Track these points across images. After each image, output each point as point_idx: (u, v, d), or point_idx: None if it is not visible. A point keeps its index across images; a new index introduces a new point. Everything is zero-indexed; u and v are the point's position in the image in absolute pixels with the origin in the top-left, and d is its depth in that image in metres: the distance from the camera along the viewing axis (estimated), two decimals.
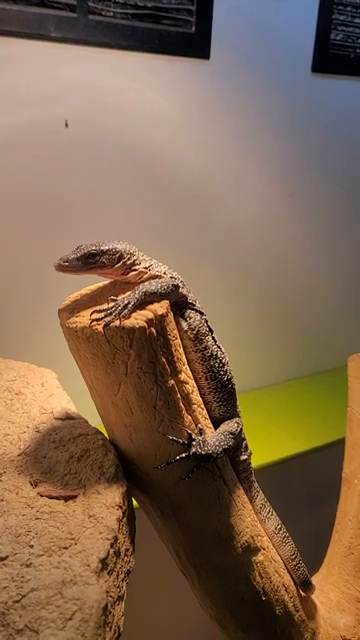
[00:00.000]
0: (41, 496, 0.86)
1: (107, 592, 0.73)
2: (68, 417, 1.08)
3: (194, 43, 1.86)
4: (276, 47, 2.06)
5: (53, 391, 1.19)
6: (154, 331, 0.88)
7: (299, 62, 2.15)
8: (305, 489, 1.98)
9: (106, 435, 1.04)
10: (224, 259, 2.20)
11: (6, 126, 1.65)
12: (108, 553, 0.77)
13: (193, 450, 0.94)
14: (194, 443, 0.95)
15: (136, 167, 1.89)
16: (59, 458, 0.95)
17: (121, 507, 0.86)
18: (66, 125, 1.71)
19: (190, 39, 1.85)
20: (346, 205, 2.46)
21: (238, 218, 2.18)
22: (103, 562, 0.75)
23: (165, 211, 2.00)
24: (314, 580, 1.28)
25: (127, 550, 0.88)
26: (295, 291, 2.43)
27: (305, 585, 1.22)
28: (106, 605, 0.70)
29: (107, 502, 0.85)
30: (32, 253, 1.77)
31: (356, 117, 2.33)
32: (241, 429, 1.09)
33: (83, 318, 0.90)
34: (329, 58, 2.20)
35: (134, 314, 0.88)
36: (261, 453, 1.77)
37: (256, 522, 1.14)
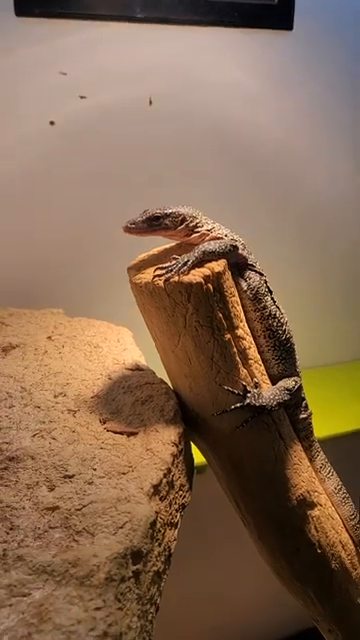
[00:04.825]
0: (107, 431, 0.97)
1: (157, 513, 0.82)
2: (138, 368, 1.18)
3: (276, 14, 1.86)
4: None
5: (127, 346, 1.30)
6: (211, 287, 0.95)
7: None
8: None
9: (170, 385, 1.13)
10: (306, 232, 2.19)
11: (96, 105, 1.76)
12: (161, 481, 0.86)
13: (247, 401, 1.00)
14: (249, 395, 1.01)
15: (219, 141, 1.93)
16: (126, 401, 1.05)
17: (177, 445, 0.95)
18: (150, 102, 1.80)
19: (272, 10, 1.85)
20: None
21: (321, 193, 2.16)
22: (155, 488, 0.84)
23: (248, 185, 2.02)
24: None
25: (182, 486, 0.97)
26: None
27: None
28: (154, 521, 0.79)
29: (164, 439, 0.94)
30: (120, 221, 1.87)
31: None
32: (299, 387, 1.13)
33: (147, 274, 0.98)
34: None
35: (193, 271, 0.95)
36: (331, 423, 1.77)
37: (314, 478, 1.18)
